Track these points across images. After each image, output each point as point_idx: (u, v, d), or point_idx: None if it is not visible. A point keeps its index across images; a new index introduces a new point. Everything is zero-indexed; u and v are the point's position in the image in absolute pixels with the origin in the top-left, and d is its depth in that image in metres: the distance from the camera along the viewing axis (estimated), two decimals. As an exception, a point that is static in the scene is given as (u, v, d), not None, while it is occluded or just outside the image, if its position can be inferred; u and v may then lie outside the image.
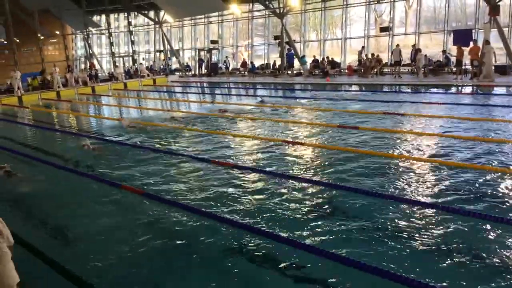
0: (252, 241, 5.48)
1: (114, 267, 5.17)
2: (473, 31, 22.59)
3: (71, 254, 5.59)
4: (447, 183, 7.09)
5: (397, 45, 24.17)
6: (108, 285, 4.82)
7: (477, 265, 4.67)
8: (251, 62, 31.50)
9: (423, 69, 23.04)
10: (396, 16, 27.64)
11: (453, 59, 22.02)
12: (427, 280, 4.27)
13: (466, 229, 5.44)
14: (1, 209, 7.37)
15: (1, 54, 35.41)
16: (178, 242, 5.73)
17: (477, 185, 6.91)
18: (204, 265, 5.11)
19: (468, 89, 18.73)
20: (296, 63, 29.14)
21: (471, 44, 20.65)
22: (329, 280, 4.54)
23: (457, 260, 4.81)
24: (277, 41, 29.71)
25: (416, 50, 23.23)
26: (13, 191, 8.46)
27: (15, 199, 8.07)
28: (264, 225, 5.85)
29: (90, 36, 41.83)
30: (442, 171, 7.67)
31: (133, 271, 5.03)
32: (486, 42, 19.50)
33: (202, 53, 35.80)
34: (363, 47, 26.95)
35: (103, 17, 40.42)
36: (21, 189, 8.52)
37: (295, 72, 29.07)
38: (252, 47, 35.11)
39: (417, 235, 5.36)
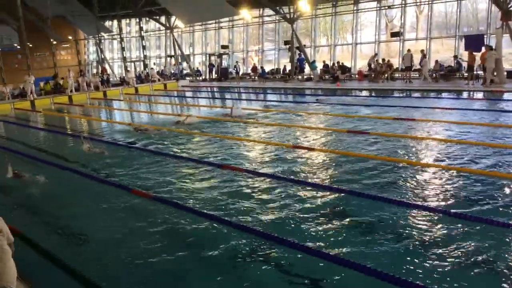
0: (262, 247, 5.48)
1: (121, 268, 5.21)
2: (485, 36, 22.43)
3: (79, 254, 5.64)
4: (463, 190, 7.04)
5: (408, 50, 24.04)
6: (114, 285, 4.86)
7: (498, 276, 4.62)
8: (261, 67, 31.55)
9: (434, 75, 22.99)
10: (407, 21, 27.58)
11: (465, 64, 21.88)
12: None
13: (489, 239, 5.36)
14: (11, 210, 7.49)
15: (15, 58, 35.81)
16: (185, 245, 5.77)
17: (495, 192, 6.85)
18: (211, 268, 5.14)
19: (478, 95, 18.58)
20: (307, 68, 29.15)
21: (483, 49, 20.50)
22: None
23: (481, 270, 4.76)
24: (287, 46, 29.76)
25: (422, 56, 23.30)
26: (22, 193, 8.58)
27: (23, 200, 8.18)
28: (274, 230, 5.83)
29: (102, 41, 42.21)
30: (457, 178, 7.61)
31: (137, 273, 5.06)
32: (490, 48, 19.45)
33: (212, 58, 35.95)
34: (376, 54, 26.82)
35: (115, 22, 40.76)
36: (30, 191, 8.61)
37: (305, 77, 29.04)
38: (262, 52, 35.16)
39: (435, 244, 5.32)
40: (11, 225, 6.26)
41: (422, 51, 23.82)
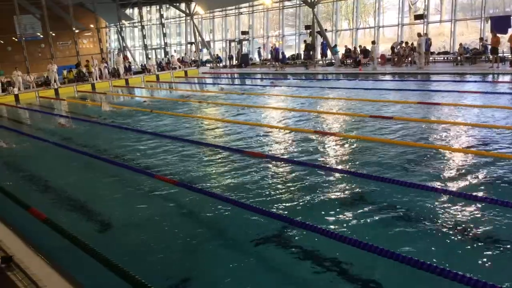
0: (284, 230, 5.48)
1: (143, 250, 5.28)
2: (512, 17, 21.78)
3: (102, 237, 5.74)
4: (487, 174, 6.87)
5: (419, 34, 23.88)
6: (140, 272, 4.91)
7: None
8: (282, 53, 31.28)
9: (459, 58, 22.56)
10: (431, 3, 26.93)
11: (489, 46, 21.34)
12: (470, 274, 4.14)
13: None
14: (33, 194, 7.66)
15: (38, 47, 36.33)
16: (206, 229, 5.83)
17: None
18: (233, 252, 5.17)
19: (505, 77, 18.10)
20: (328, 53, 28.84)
21: (510, 31, 19.92)
22: (363, 271, 4.51)
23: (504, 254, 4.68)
24: (308, 31, 29.43)
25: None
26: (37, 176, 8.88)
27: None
28: (295, 214, 5.82)
29: (123, 29, 42.45)
30: (481, 162, 7.45)
31: (160, 254, 5.13)
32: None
33: (232, 44, 35.82)
34: (402, 41, 26.32)
35: (136, 10, 40.90)
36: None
37: (326, 62, 28.74)
38: (283, 38, 34.88)
39: (461, 228, 5.22)
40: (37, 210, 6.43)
41: (419, 34, 23.68)
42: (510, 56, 20.22)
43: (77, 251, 5.17)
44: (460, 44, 23.12)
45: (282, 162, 8.33)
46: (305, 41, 29.52)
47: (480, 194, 6.04)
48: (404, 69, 23.24)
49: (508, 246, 4.78)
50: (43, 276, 4.47)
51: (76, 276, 4.57)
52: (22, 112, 20.77)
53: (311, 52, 28.72)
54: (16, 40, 32.34)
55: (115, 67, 31.60)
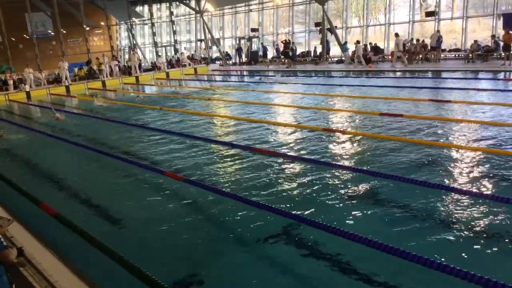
0: (290, 227, 5.47)
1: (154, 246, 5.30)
2: (525, 14, 21.50)
3: (112, 233, 5.77)
4: (498, 172, 6.82)
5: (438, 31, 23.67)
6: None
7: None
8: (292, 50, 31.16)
9: (471, 55, 22.31)
10: (443, 0, 26.66)
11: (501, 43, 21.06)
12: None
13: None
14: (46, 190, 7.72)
15: (49, 45, 36.55)
16: (215, 226, 5.83)
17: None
18: (241, 249, 5.19)
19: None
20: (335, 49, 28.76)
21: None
22: (374, 270, 4.49)
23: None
24: (318, 28, 29.31)
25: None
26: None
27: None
28: (303, 212, 5.81)
29: (134, 26, 42.58)
30: (491, 160, 7.38)
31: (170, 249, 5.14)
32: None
33: (242, 41, 35.76)
34: (412, 38, 26.11)
35: (146, 7, 41.01)
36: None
37: (336, 59, 28.61)
38: (292, 35, 34.76)
39: (469, 225, 5.20)
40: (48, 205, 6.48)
41: (397, 34, 24.30)
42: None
43: (87, 246, 5.21)
44: (475, 41, 22.78)
45: (291, 160, 8.32)
46: (284, 40, 29.82)
47: (490, 192, 5.99)
48: (420, 66, 23.06)
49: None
50: (54, 272, 4.51)
51: (85, 270, 4.61)
52: (33, 109, 20.95)
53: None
54: (28, 37, 32.56)
55: (125, 64, 31.70)
